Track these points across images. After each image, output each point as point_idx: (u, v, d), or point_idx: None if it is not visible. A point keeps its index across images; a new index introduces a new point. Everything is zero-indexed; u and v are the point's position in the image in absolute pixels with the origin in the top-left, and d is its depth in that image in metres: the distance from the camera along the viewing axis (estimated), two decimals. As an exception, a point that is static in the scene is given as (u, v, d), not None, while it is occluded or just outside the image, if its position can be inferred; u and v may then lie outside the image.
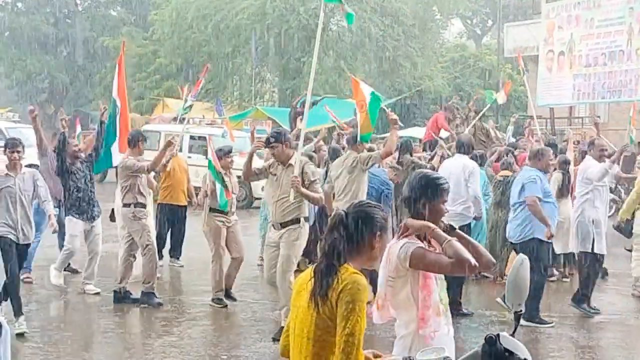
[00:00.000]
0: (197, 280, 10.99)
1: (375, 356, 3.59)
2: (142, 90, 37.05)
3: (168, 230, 11.90)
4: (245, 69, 34.21)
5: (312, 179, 7.94)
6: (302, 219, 7.99)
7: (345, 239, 3.43)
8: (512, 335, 3.39)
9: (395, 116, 9.33)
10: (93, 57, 42.44)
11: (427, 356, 3.37)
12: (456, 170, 9.52)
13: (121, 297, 9.52)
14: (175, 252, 12.04)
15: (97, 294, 9.87)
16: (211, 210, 9.46)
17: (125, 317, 9.31)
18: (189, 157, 19.05)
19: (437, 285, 3.97)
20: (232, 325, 8.93)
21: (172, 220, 11.80)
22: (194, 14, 33.11)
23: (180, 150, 15.10)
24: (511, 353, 3.24)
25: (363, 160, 9.13)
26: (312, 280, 3.41)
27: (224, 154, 9.64)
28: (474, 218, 9.80)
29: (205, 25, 32.77)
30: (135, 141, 9.62)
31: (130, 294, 9.60)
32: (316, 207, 10.64)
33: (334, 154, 11.03)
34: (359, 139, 9.34)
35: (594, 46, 22.89)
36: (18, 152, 8.21)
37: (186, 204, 11.74)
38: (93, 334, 8.59)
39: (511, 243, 9.39)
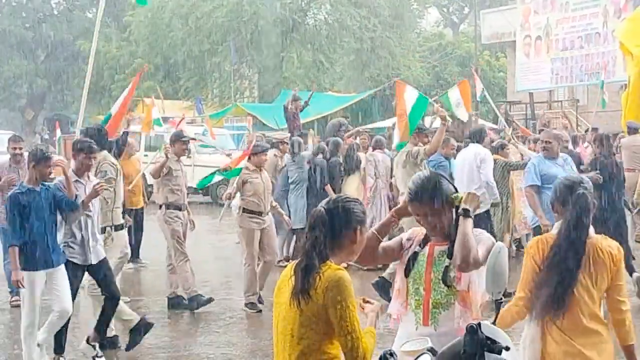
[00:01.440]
0: (157, 281, 10.81)
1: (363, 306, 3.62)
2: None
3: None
4: (224, 66, 34.14)
5: (103, 177, 7.67)
6: (107, 228, 7.73)
7: (326, 235, 3.40)
8: (494, 323, 3.42)
9: (444, 113, 9.68)
10: (71, 61, 42.16)
11: (411, 347, 3.40)
12: (469, 159, 9.79)
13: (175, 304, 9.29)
14: (133, 254, 11.91)
15: None
16: (244, 211, 9.16)
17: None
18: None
19: (409, 280, 3.93)
20: (217, 323, 8.80)
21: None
22: (171, 14, 33.02)
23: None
24: (493, 341, 3.25)
25: (413, 154, 9.63)
26: (293, 278, 3.38)
27: (260, 151, 9.38)
28: (492, 204, 9.90)
29: (182, 24, 32.66)
30: (172, 142, 9.38)
31: (184, 299, 9.26)
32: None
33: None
34: (394, 146, 10.06)
35: (570, 29, 23.03)
36: (95, 158, 7.35)
37: (143, 205, 11.66)
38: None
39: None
